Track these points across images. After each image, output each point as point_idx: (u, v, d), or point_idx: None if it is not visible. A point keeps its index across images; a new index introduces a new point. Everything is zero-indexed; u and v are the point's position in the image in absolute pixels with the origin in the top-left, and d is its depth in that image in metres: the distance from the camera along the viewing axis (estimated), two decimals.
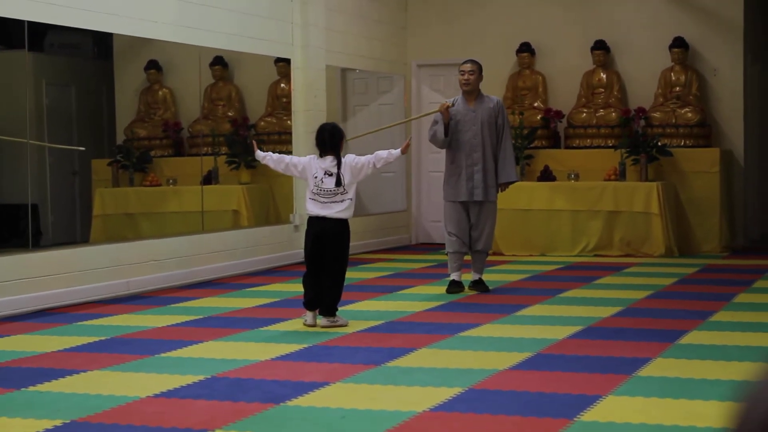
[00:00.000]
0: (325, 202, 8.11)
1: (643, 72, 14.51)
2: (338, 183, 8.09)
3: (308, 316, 8.23)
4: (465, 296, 9.90)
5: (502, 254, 13.55)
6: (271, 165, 8.40)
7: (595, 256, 13.40)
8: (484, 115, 10.01)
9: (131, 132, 11.76)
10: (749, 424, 1.19)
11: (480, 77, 10.12)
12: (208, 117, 12.69)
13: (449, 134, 9.96)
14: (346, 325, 8.19)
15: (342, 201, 8.12)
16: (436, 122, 10.03)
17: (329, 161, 8.13)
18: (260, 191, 13.05)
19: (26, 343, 7.61)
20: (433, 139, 10.08)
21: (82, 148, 10.77)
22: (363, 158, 8.23)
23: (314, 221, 8.18)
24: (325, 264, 8.15)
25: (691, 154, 13.80)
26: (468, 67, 10.07)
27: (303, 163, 8.25)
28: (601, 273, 11.62)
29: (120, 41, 11.23)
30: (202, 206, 11.97)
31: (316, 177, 8.12)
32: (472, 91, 10.05)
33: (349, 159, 8.21)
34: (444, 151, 10.24)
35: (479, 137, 10.00)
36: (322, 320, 8.18)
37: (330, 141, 8.17)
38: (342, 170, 8.11)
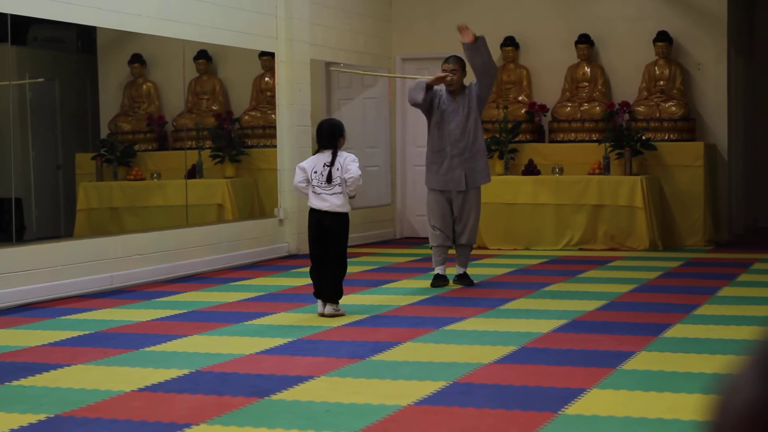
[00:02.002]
0: (321, 193, 8.29)
1: (627, 66, 14.53)
2: (329, 179, 8.22)
3: (319, 305, 8.43)
4: (449, 290, 9.91)
5: (486, 248, 13.56)
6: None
7: (580, 250, 13.42)
8: (466, 106, 10.01)
9: (115, 126, 11.72)
10: (727, 415, 1.19)
11: (463, 73, 10.10)
12: (192, 111, 12.66)
13: (426, 100, 9.91)
14: (343, 315, 8.37)
15: (339, 193, 8.29)
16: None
17: (327, 155, 8.35)
18: (244, 185, 13.04)
19: (9, 338, 7.59)
20: (412, 92, 10.00)
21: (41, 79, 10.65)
22: (352, 168, 8.31)
23: (313, 213, 8.40)
24: (327, 254, 8.34)
25: (675, 148, 13.83)
26: (450, 66, 10.03)
27: (306, 171, 8.40)
28: (586, 267, 11.64)
29: (104, 35, 11.19)
30: (187, 200, 11.95)
31: (316, 172, 8.34)
32: (456, 89, 10.05)
33: (348, 159, 8.36)
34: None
35: (462, 127, 10.01)
36: (327, 308, 8.34)
37: (327, 138, 8.41)
38: (334, 167, 8.27)
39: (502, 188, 13.56)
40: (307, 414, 5.25)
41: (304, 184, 8.40)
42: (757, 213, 16.51)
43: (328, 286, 8.35)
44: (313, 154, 8.63)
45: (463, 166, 10.02)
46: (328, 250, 8.36)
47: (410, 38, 15.56)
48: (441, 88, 10.15)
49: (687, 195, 13.78)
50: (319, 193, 8.31)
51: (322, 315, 8.35)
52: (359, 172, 8.34)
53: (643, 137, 13.68)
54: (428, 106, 10.01)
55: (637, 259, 12.37)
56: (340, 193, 8.31)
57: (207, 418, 5.15)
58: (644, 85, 14.34)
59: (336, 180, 8.28)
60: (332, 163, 8.30)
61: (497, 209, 13.62)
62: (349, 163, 8.31)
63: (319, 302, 8.42)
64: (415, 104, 10.02)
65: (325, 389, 5.79)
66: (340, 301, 8.47)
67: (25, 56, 10.39)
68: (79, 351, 7.03)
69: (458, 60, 10.11)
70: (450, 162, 10.02)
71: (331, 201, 8.29)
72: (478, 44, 9.86)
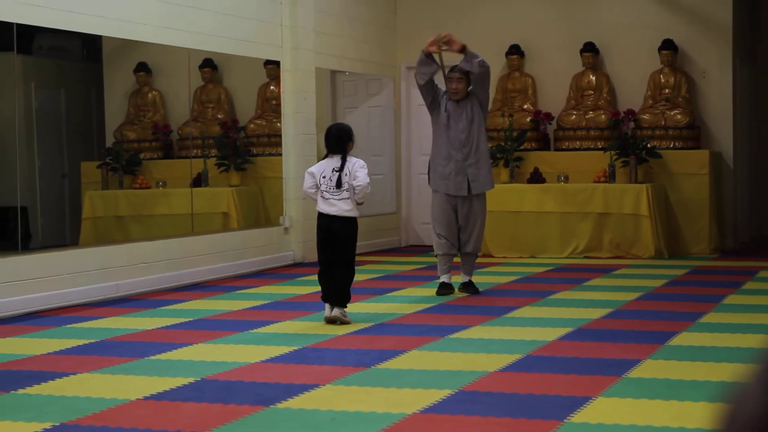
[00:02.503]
0: (329, 198, 8.34)
1: (633, 74, 14.53)
2: (338, 184, 8.26)
3: (327, 308, 8.43)
4: (455, 298, 9.91)
5: (491, 256, 13.55)
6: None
7: (585, 258, 13.41)
8: (469, 111, 10.01)
9: (121, 134, 11.74)
10: (735, 425, 1.19)
11: (468, 83, 10.08)
12: (197, 119, 12.67)
13: (432, 82, 9.98)
14: (349, 323, 8.36)
15: (348, 198, 8.34)
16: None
17: (336, 160, 8.38)
18: (250, 193, 13.04)
19: (15, 346, 7.59)
20: (420, 68, 10.02)
21: None
22: (361, 176, 8.34)
23: (322, 217, 8.43)
24: (335, 259, 8.37)
25: (680, 156, 13.82)
26: (457, 74, 10.03)
27: (315, 177, 8.44)
28: (591, 275, 11.63)
29: (109, 44, 11.22)
30: (192, 209, 11.96)
31: (324, 177, 8.37)
32: (461, 98, 10.05)
33: (357, 165, 8.39)
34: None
35: (467, 132, 10.01)
36: (334, 311, 8.36)
37: (336, 143, 8.43)
38: (344, 172, 8.32)
39: (507, 196, 13.57)
40: (313, 422, 5.25)
41: (313, 190, 8.42)
42: (762, 221, 16.48)
43: (336, 291, 8.36)
44: (322, 158, 8.64)
45: (465, 172, 10.02)
46: (337, 255, 8.37)
47: (415, 46, 15.45)
48: (444, 92, 10.15)
49: (692, 203, 13.77)
50: (327, 198, 8.34)
51: (329, 319, 8.36)
52: (368, 180, 8.36)
53: (649, 145, 13.68)
54: (436, 101, 10.02)
55: (642, 267, 12.36)
56: (349, 198, 8.33)
57: (212, 427, 5.15)
58: (649, 93, 14.34)
59: (345, 185, 8.29)
60: (341, 168, 8.32)
61: (502, 217, 13.62)
62: (357, 169, 8.33)
63: (327, 306, 8.42)
64: (424, 82, 9.98)
65: (331, 397, 5.78)
66: (347, 308, 8.47)
67: (30, 65, 10.41)
68: (84, 359, 7.03)
69: (462, 70, 10.10)
70: (454, 166, 10.03)
71: (339, 206, 8.31)
72: (467, 55, 9.90)
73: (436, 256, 10.30)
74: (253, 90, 13.52)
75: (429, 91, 10.02)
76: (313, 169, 8.51)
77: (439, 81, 10.19)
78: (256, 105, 13.51)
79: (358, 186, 8.29)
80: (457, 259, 10.30)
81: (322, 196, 8.36)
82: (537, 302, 9.53)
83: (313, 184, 8.41)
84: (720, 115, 14.31)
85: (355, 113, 15.23)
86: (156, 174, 12.00)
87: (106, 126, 11.62)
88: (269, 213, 13.20)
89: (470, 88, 10.08)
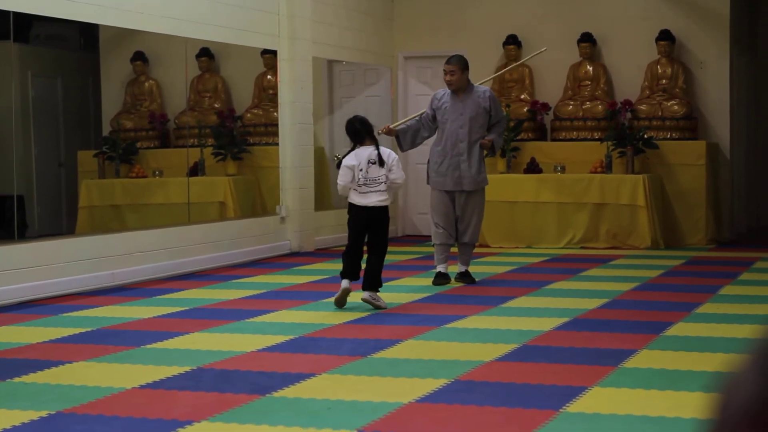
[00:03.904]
0: (365, 192, 8.50)
1: (630, 65, 14.51)
2: (381, 163, 8.47)
3: (344, 282, 8.51)
4: (451, 288, 9.91)
5: (488, 246, 13.55)
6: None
7: (582, 248, 13.41)
8: (471, 107, 10.01)
9: (117, 123, 11.72)
10: (728, 413, 1.19)
11: (464, 73, 10.05)
12: (194, 108, 12.66)
13: (408, 144, 10.27)
14: (384, 308, 8.54)
15: (383, 190, 8.54)
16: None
17: (371, 149, 8.52)
18: (246, 183, 13.04)
19: (11, 335, 7.60)
20: (409, 144, 10.35)
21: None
22: (399, 174, 8.61)
23: (356, 208, 8.60)
24: (371, 244, 8.65)
25: (677, 147, 13.82)
26: (449, 67, 10.01)
27: (354, 170, 8.51)
28: (588, 265, 11.63)
29: (106, 32, 11.20)
30: (189, 198, 11.95)
31: (361, 170, 8.49)
32: (458, 89, 10.03)
33: (392, 157, 8.59)
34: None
35: (466, 128, 10.01)
36: (364, 294, 8.52)
37: (363, 129, 8.58)
38: (381, 152, 8.51)
39: (504, 186, 13.57)
40: (309, 411, 5.25)
41: (351, 185, 8.49)
42: (759, 212, 16.50)
43: (369, 276, 8.54)
44: (349, 151, 8.65)
45: (459, 168, 10.01)
46: (371, 240, 8.63)
47: (412, 36, 15.55)
48: (444, 88, 10.15)
49: (689, 194, 13.77)
50: (365, 192, 8.48)
51: (345, 290, 8.46)
52: (404, 176, 8.67)
53: (645, 136, 13.67)
54: (437, 118, 10.10)
55: (638, 258, 12.37)
56: (384, 190, 8.53)
57: (208, 416, 5.15)
58: (646, 83, 14.33)
59: (382, 174, 8.45)
60: (379, 156, 8.46)
61: (499, 207, 13.61)
62: (394, 163, 8.53)
63: (344, 281, 8.49)
64: (430, 132, 10.26)
65: (327, 386, 5.79)
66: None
67: (27, 54, 10.39)
68: (80, 348, 7.03)
69: (459, 60, 10.06)
70: (449, 162, 10.03)
71: (372, 198, 8.51)
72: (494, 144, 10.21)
73: (433, 245, 10.30)
74: (250, 79, 13.50)
75: (433, 121, 10.11)
76: (351, 162, 8.53)
77: (437, 73, 10.17)
78: (253, 94, 13.50)
79: (395, 183, 8.54)
80: (454, 249, 10.30)
81: (356, 189, 8.46)
82: (533, 292, 9.54)
83: (352, 177, 8.45)
84: (717, 105, 14.30)
85: (352, 103, 15.21)
86: (153, 163, 12.00)
87: (102, 115, 11.61)
88: (266, 202, 13.20)
89: (488, 98, 10.06)
